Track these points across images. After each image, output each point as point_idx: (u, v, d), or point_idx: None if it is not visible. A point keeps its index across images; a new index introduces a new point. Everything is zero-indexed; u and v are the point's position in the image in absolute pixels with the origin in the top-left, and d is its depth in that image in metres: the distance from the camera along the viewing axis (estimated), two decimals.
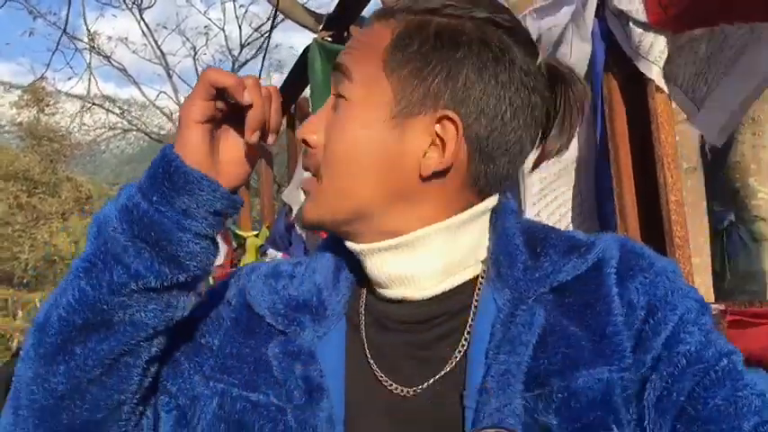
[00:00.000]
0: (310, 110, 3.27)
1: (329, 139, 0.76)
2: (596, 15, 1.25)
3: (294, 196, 3.14)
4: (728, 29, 1.16)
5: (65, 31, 11.18)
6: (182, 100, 24.95)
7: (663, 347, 0.70)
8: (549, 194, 1.38)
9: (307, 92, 3.20)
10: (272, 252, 3.38)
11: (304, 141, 0.77)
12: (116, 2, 21.43)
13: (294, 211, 3.11)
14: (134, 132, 28.16)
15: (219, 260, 5.13)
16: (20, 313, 32.64)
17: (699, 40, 1.16)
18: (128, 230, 0.71)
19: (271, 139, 0.75)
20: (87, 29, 20.73)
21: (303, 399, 0.75)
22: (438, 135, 0.75)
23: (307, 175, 0.78)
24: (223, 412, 0.77)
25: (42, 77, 20.12)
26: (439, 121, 0.75)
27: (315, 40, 2.56)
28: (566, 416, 0.68)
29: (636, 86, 1.23)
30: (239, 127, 0.75)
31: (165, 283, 0.71)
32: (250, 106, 0.71)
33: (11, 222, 30.83)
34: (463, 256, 0.78)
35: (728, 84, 1.24)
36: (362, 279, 0.83)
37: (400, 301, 0.79)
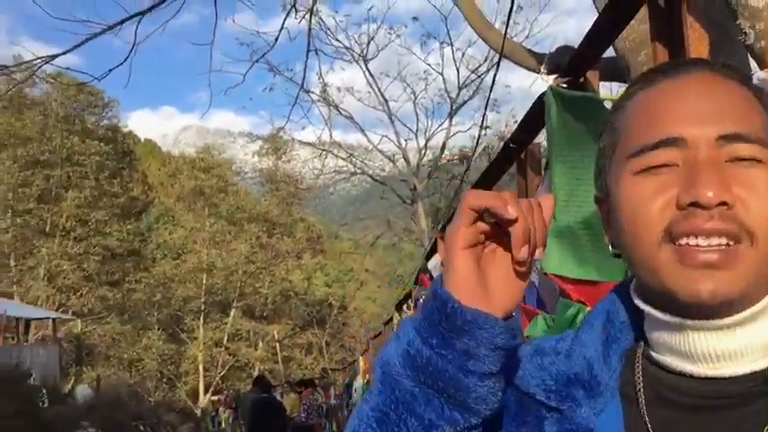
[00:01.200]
0: (543, 157, 3.24)
1: (760, 201, 0.69)
2: None
3: None
4: None
5: (302, 86, 12.32)
6: (402, 143, 26.16)
7: None
8: None
9: (539, 138, 3.19)
10: None
11: (724, 203, 0.68)
12: (345, 56, 23.14)
13: None
14: (358, 175, 29.90)
15: None
16: (260, 344, 35.96)
17: None
18: (413, 376, 0.71)
19: (539, 253, 0.71)
20: (322, 81, 22.49)
21: None
22: None
23: (713, 242, 0.69)
24: None
25: (282, 129, 22.07)
26: None
27: (550, 87, 2.55)
28: None
29: None
30: (504, 244, 0.73)
31: (458, 429, 0.71)
32: (514, 221, 0.69)
33: (253, 260, 34.29)
34: None
35: None
36: (635, 349, 0.80)
37: (698, 377, 0.72)
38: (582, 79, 2.51)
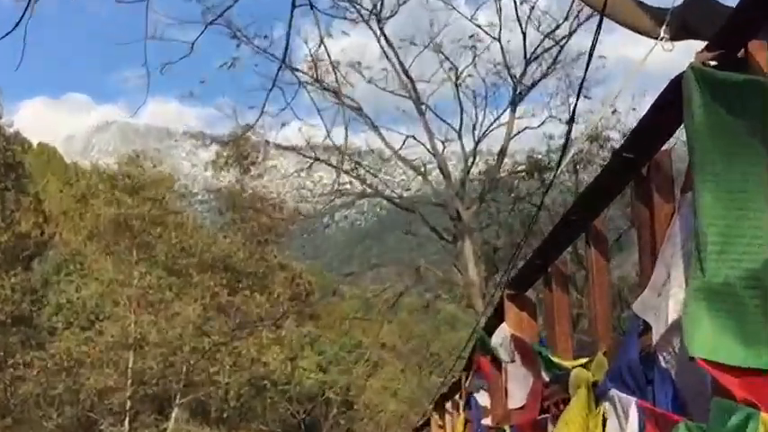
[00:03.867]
0: (677, 168, 3.24)
1: None
2: None
3: (653, 307, 3.10)
4: None
5: (284, 60, 12.38)
6: (438, 146, 26.05)
7: None
8: None
9: (672, 142, 3.19)
10: (616, 394, 3.36)
11: None
12: (349, 12, 23.30)
13: (656, 332, 3.06)
14: (369, 197, 29.91)
15: (520, 399, 5.19)
16: None
17: None
18: None
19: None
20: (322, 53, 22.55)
21: None
22: None
23: None
24: None
25: (250, 126, 22.17)
26: None
27: (691, 66, 2.56)
28: None
29: None
30: None
31: None
32: None
33: (207, 331, 33.99)
34: None
35: None
36: None
37: None
38: (742, 53, 2.51)
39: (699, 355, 2.40)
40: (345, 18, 24.42)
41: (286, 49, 12.00)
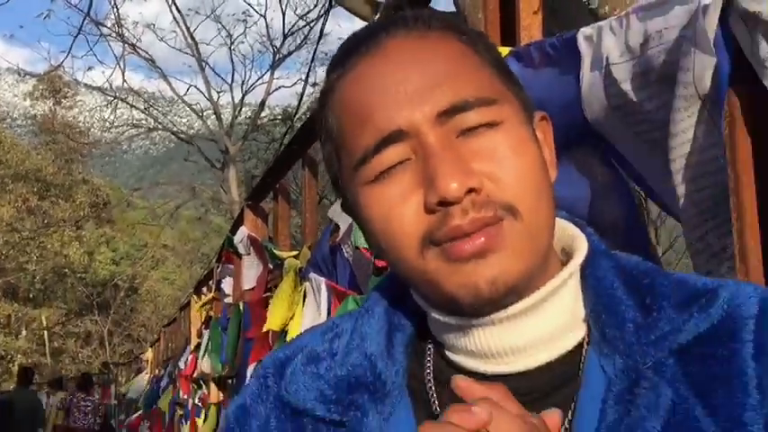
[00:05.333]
0: None
1: (507, 167, 0.70)
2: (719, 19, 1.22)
3: (342, 212, 3.17)
4: None
5: (88, 14, 11.55)
6: (214, 95, 25.52)
7: None
8: None
9: None
10: (313, 276, 3.41)
11: (471, 190, 0.69)
12: None
13: (342, 230, 3.13)
14: (159, 132, 28.80)
15: (251, 282, 5.19)
16: (23, 332, 33.66)
17: None
18: None
19: None
20: (117, 13, 21.27)
21: None
22: (539, 141, 0.77)
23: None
24: None
25: (60, 66, 20.59)
26: (540, 121, 0.80)
27: None
28: None
29: (764, 105, 1.20)
30: None
31: None
32: None
33: (18, 228, 31.75)
34: (573, 314, 0.76)
35: None
36: (423, 340, 0.81)
37: (492, 375, 0.74)
38: None
39: (362, 246, 2.46)
40: None
41: (90, 5, 11.16)
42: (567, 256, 0.79)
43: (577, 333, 0.76)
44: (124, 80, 21.92)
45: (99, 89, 26.99)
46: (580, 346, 0.75)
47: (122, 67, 23.76)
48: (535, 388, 0.73)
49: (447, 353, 0.78)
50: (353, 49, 0.77)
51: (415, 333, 0.82)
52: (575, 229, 0.81)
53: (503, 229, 0.69)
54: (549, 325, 0.74)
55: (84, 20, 11.06)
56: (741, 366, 0.68)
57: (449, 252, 0.69)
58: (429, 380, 0.78)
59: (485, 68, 0.75)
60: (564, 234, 0.80)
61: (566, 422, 0.71)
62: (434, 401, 0.77)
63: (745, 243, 1.19)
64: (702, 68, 1.27)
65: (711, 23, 1.21)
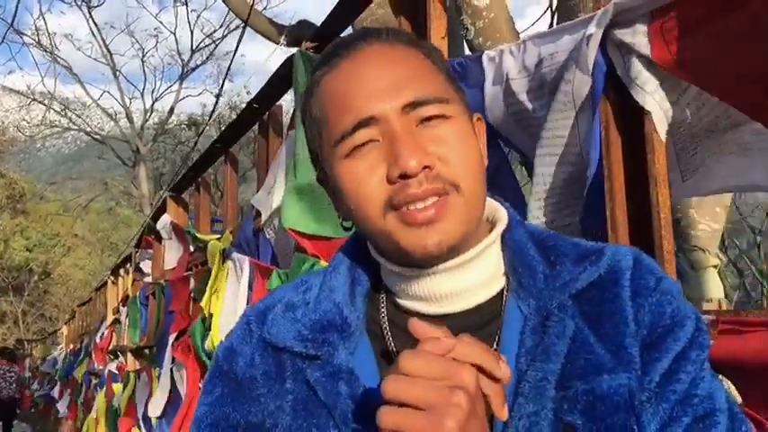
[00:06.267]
0: (285, 117, 3.30)
1: (454, 152, 0.78)
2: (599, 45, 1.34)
3: (264, 201, 3.15)
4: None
5: (12, 25, 10.81)
6: (127, 101, 24.42)
7: (661, 377, 0.76)
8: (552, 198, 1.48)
9: (283, 99, 3.23)
10: (236, 256, 3.37)
11: (426, 167, 0.76)
12: None
13: (264, 216, 3.12)
14: (73, 132, 27.26)
15: (173, 263, 5.05)
16: None
17: (699, 100, 1.25)
18: None
19: (506, 413, 0.69)
20: (45, 25, 19.98)
21: (360, 424, 0.78)
22: (477, 135, 0.85)
23: (428, 202, 0.77)
24: None
25: None
26: (477, 121, 0.88)
27: (299, 51, 2.60)
28: (591, 416, 0.74)
29: (632, 112, 1.33)
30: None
31: None
32: (503, 380, 0.68)
33: None
34: (496, 268, 0.85)
35: (714, 170, 1.33)
36: (377, 291, 0.89)
37: (435, 315, 0.82)
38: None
39: (289, 227, 2.46)
40: (63, 1, 21.79)
41: (15, 15, 10.44)
42: (492, 224, 0.89)
43: (500, 283, 0.85)
44: (43, 83, 20.72)
45: (17, 92, 25.32)
46: (501, 293, 0.85)
47: (42, 72, 22.35)
48: (468, 325, 0.81)
49: (398, 299, 0.86)
50: (336, 52, 0.84)
51: (371, 286, 0.89)
52: (497, 204, 0.91)
53: (448, 202, 0.77)
54: (479, 275, 0.83)
55: (8, 29, 10.32)
56: (621, 305, 0.80)
57: (405, 216, 0.77)
58: (384, 322, 0.85)
59: (439, 75, 0.84)
60: (490, 207, 0.89)
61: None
62: (389, 339, 0.84)
63: (615, 218, 1.31)
64: (581, 84, 1.40)
65: (593, 48, 1.33)
